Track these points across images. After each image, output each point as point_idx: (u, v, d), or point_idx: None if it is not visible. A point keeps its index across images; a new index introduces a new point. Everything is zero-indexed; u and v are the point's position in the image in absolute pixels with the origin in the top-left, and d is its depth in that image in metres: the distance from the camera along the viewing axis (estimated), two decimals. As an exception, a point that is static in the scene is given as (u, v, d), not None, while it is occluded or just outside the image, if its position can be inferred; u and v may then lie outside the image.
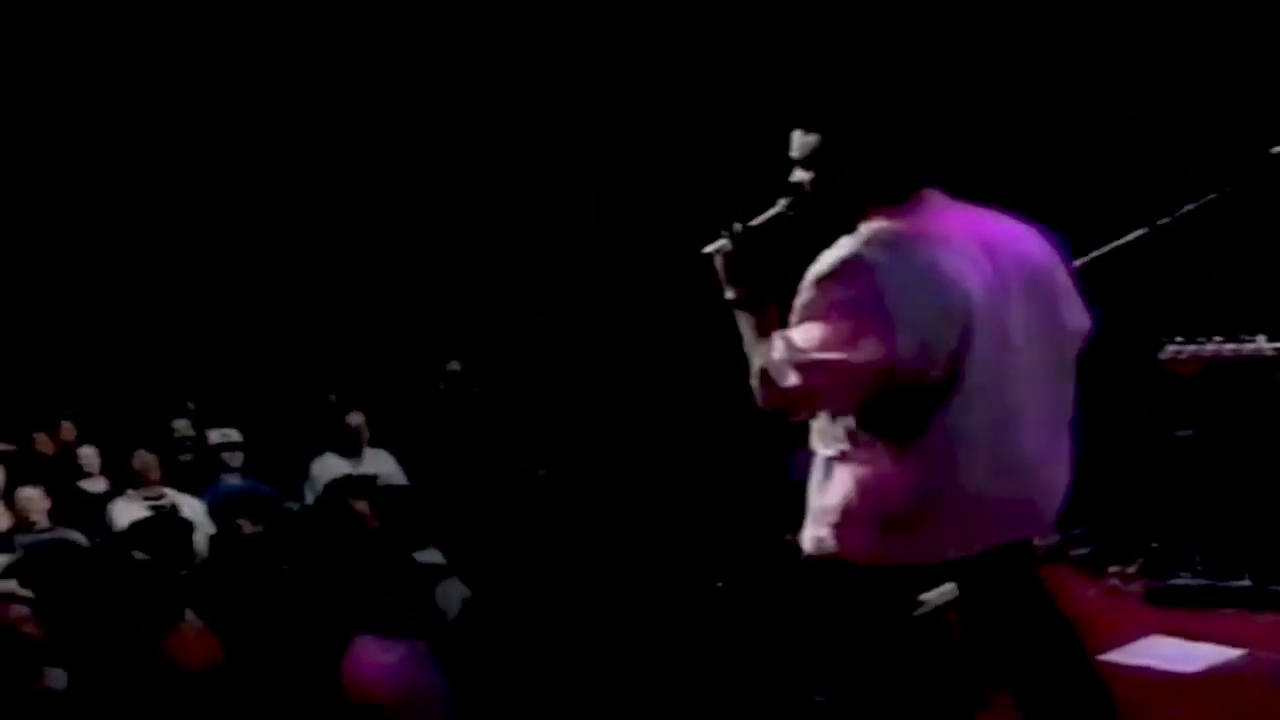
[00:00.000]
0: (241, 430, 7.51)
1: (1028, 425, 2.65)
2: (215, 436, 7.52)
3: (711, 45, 7.83)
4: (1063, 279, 2.77)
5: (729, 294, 2.81)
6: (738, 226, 2.81)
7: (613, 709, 4.09)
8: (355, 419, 7.29)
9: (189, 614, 4.41)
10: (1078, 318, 2.78)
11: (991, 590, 2.71)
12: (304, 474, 7.12)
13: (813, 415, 2.68)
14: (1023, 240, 2.72)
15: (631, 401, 7.33)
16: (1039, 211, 3.07)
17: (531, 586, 4.92)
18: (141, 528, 6.02)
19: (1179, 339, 3.25)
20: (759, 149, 3.17)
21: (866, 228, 2.64)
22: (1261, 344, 3.02)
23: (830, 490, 2.68)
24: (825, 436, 2.70)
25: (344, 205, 9.03)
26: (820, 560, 2.73)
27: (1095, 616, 3.24)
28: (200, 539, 6.16)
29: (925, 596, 2.66)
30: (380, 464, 7.19)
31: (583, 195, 8.48)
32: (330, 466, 7.01)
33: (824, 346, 2.53)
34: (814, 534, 2.72)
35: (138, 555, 5.62)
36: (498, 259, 8.66)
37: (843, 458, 2.65)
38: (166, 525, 6.14)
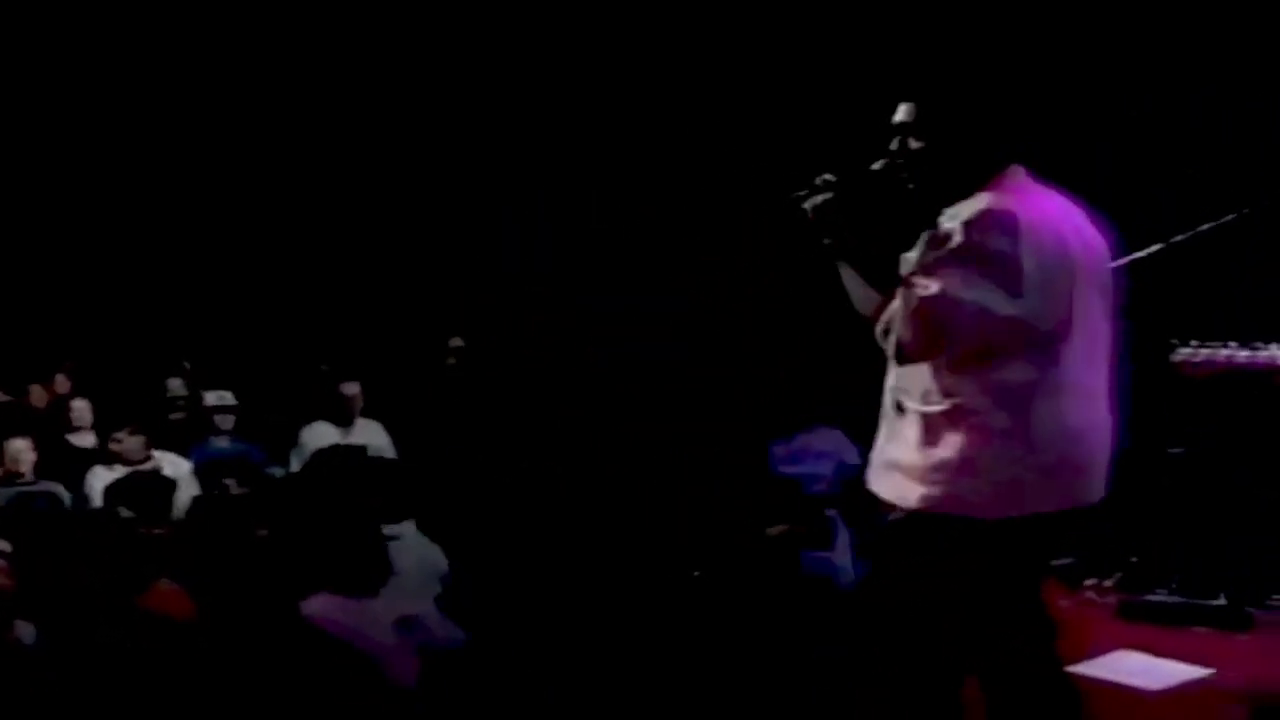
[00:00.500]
0: (236, 393, 7.49)
1: (1099, 394, 2.83)
2: (210, 398, 7.50)
3: (711, 45, 7.82)
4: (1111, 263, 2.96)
5: (830, 241, 2.94)
6: (829, 177, 2.96)
7: (589, 692, 4.10)
8: (350, 389, 7.24)
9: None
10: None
11: (1036, 553, 2.85)
12: (294, 440, 7.09)
13: (933, 357, 2.76)
14: (1090, 224, 2.92)
15: (620, 397, 7.35)
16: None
17: (510, 568, 4.95)
18: (122, 485, 6.01)
19: (1194, 343, 3.26)
20: (759, 149, 3.21)
21: (990, 193, 2.80)
22: (1276, 352, 3.02)
23: (940, 446, 2.77)
24: (926, 392, 2.80)
25: (346, 202, 9.04)
26: (913, 517, 2.80)
27: (1067, 627, 3.23)
28: (183, 498, 6.13)
29: None
30: (371, 435, 7.15)
31: (583, 195, 8.48)
32: (321, 434, 6.97)
33: (971, 292, 2.67)
34: (923, 491, 2.78)
35: (121, 512, 5.60)
36: (498, 259, 8.66)
37: (954, 412, 2.76)
38: (147, 483, 6.10)
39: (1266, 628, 4.96)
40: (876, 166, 2.96)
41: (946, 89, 2.99)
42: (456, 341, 8.27)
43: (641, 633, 4.37)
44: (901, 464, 2.84)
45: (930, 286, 2.70)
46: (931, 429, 2.78)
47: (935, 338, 2.73)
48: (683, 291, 7.88)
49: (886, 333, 2.82)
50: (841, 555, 6.01)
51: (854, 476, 6.38)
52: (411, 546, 5.15)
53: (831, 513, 5.97)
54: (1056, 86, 6.87)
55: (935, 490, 2.77)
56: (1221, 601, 5.06)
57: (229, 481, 5.88)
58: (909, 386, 2.84)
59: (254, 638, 3.88)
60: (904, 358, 2.81)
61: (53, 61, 8.79)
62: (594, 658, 4.21)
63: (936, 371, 2.78)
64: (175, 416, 7.80)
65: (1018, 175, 2.89)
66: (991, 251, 2.68)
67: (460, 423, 7.53)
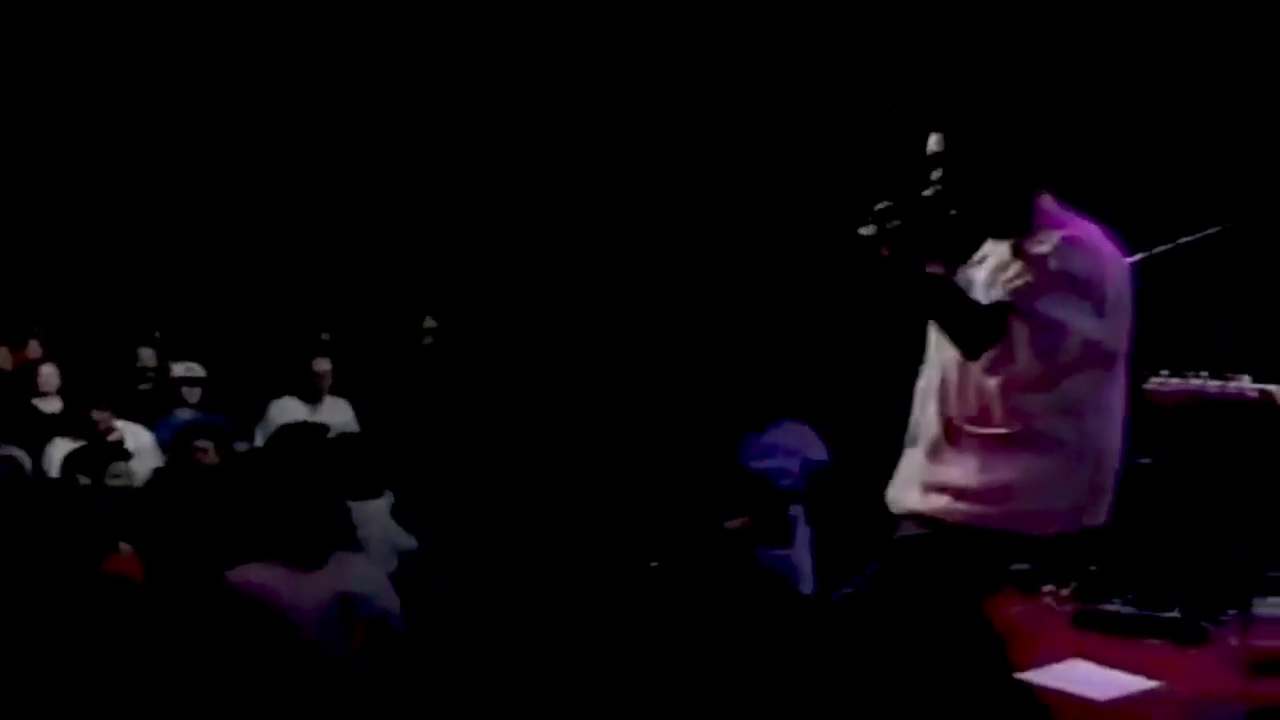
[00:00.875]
0: (205, 365, 7.52)
1: (1122, 412, 3.00)
2: (179, 369, 7.52)
3: (712, 45, 7.82)
4: None
5: (904, 264, 2.94)
6: (888, 204, 2.97)
7: (543, 675, 4.14)
8: (321, 365, 7.26)
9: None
10: None
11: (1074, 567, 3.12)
12: (260, 415, 7.10)
13: (1002, 377, 2.86)
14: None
15: (592, 391, 7.40)
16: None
17: (475, 550, 4.98)
18: (81, 454, 6.02)
19: (1165, 371, 3.32)
20: (759, 150, 3.22)
21: (1055, 218, 2.95)
22: (1245, 384, 3.08)
23: (1004, 467, 2.88)
24: (985, 413, 2.89)
25: (344, 200, 9.02)
26: (950, 531, 2.92)
27: (1020, 634, 3.32)
28: (143, 469, 6.15)
29: None
30: (339, 412, 7.17)
31: (583, 195, 8.47)
32: (288, 410, 6.98)
33: (1063, 311, 2.81)
34: (980, 510, 2.91)
35: (80, 480, 5.65)
36: (498, 259, 8.65)
37: (1021, 433, 2.87)
38: (106, 453, 6.10)
39: (1219, 642, 5.03)
40: (928, 194, 3.01)
41: (975, 119, 3.12)
42: (430, 322, 8.26)
43: (598, 620, 4.40)
44: (953, 486, 2.93)
45: (1029, 307, 2.83)
46: (993, 450, 2.89)
47: (1021, 357, 2.84)
48: (683, 291, 7.88)
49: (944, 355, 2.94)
50: (800, 554, 6.04)
51: (819, 473, 6.53)
52: (376, 522, 5.19)
53: (795, 510, 6.00)
54: (1057, 86, 6.88)
55: (993, 509, 2.90)
56: (1176, 614, 5.12)
57: (205, 445, 5.84)
58: (963, 408, 2.93)
59: (192, 604, 3.94)
60: (968, 378, 2.91)
61: (27, 37, 8.71)
62: (550, 642, 4.24)
63: (1003, 392, 2.88)
64: (143, 387, 7.76)
65: (1050, 201, 3.02)
66: (1079, 275, 2.83)
67: (433, 403, 7.53)
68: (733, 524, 5.52)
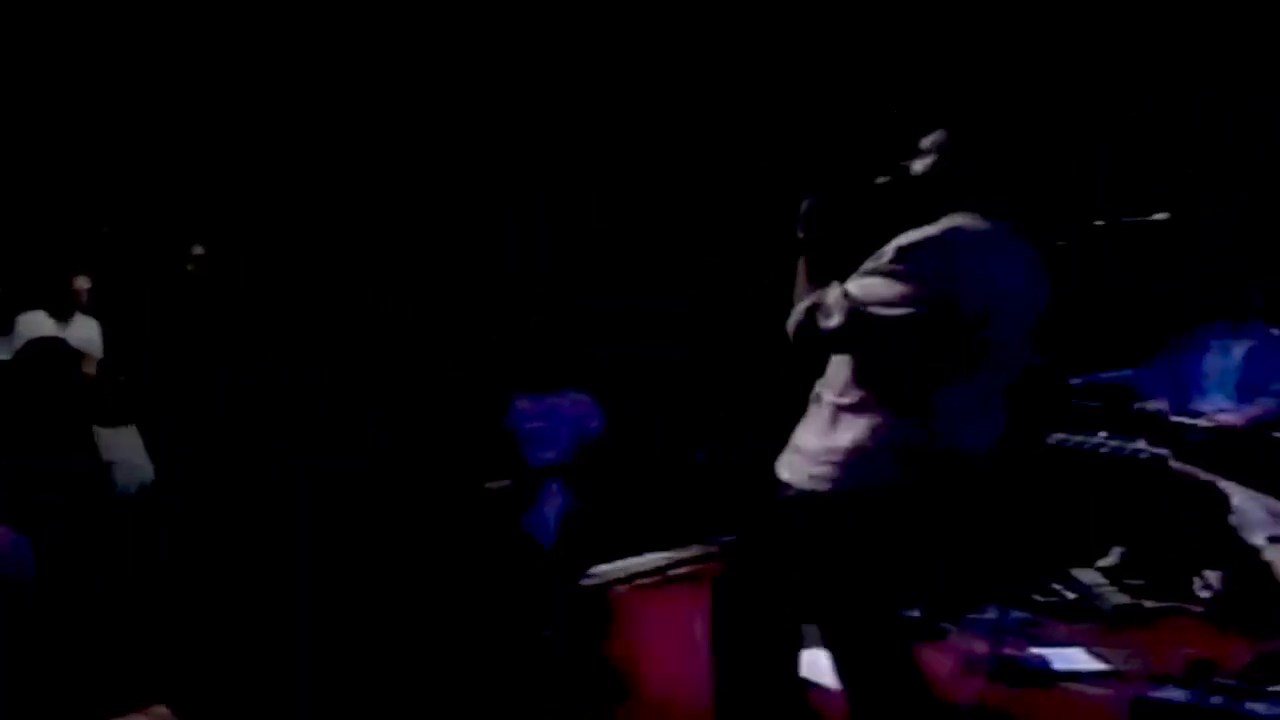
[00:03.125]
0: None
1: (978, 423, 3.11)
2: None
3: (712, 45, 7.82)
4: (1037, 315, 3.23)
5: (806, 233, 3.21)
6: (842, 180, 3.25)
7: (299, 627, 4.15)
8: (81, 282, 7.21)
9: None
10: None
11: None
12: (8, 328, 7.01)
13: (831, 353, 3.19)
14: (1038, 269, 3.21)
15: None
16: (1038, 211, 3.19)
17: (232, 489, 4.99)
18: None
19: (1061, 435, 3.42)
20: (759, 150, 3.25)
21: (950, 219, 3.10)
22: (1140, 446, 3.18)
23: (840, 434, 3.12)
24: (842, 386, 3.17)
25: (342, 199, 9.00)
26: (801, 496, 3.14)
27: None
28: None
29: None
30: (87, 330, 7.14)
31: (583, 195, 8.48)
32: (37, 325, 6.93)
33: (878, 302, 3.01)
34: (812, 471, 3.15)
35: None
36: (498, 259, 8.65)
37: (856, 405, 3.11)
38: None
39: (959, 643, 5.16)
40: (881, 180, 3.22)
41: (979, 124, 3.22)
42: (198, 249, 8.08)
43: (383, 577, 4.42)
44: (803, 448, 3.21)
45: (849, 292, 3.06)
46: (836, 419, 3.15)
47: (844, 337, 3.07)
48: (683, 291, 7.89)
49: (807, 328, 3.13)
50: (545, 517, 6.14)
51: (591, 443, 6.73)
52: (121, 450, 5.11)
53: (554, 481, 6.13)
54: (1057, 86, 6.88)
55: (823, 471, 3.14)
56: (917, 614, 5.25)
57: None
58: (831, 380, 3.22)
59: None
60: (828, 353, 3.21)
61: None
62: (338, 602, 4.25)
63: (852, 368, 3.16)
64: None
65: (998, 209, 3.15)
66: (908, 271, 3.01)
67: (195, 331, 7.45)
68: (494, 485, 5.65)
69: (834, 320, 3.05)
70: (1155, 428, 5.71)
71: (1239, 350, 6.18)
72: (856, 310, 3.02)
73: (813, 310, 3.08)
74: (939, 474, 3.08)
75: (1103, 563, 6.43)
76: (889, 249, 3.04)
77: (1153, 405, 6.13)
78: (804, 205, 3.23)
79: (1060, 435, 3.17)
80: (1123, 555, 6.36)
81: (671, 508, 5.87)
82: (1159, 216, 4.32)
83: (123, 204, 8.50)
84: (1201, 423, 5.92)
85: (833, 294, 3.06)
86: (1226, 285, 6.24)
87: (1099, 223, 4.25)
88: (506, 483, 5.67)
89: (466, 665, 4.13)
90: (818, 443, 3.15)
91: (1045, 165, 3.30)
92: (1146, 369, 6.30)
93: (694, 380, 7.34)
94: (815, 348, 3.12)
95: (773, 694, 3.18)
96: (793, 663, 3.21)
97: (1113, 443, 3.06)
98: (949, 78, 7.08)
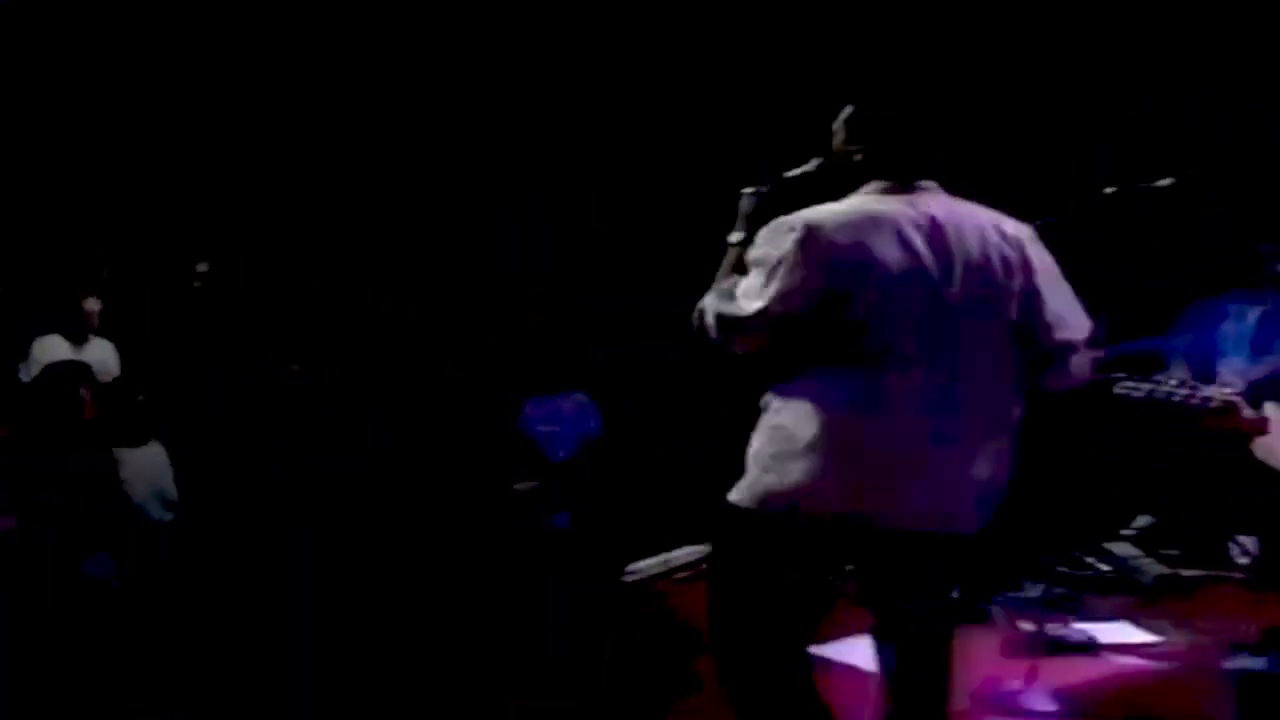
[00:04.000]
0: None
1: (916, 409, 2.77)
2: None
3: (711, 46, 7.82)
4: (1021, 281, 2.89)
5: (735, 235, 3.11)
6: (777, 176, 3.13)
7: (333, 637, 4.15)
8: (91, 304, 7.26)
9: None
10: (1035, 318, 2.88)
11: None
12: (24, 353, 7.08)
13: (743, 350, 2.94)
14: (985, 238, 2.88)
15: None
16: (1038, 210, 3.14)
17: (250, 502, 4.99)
18: None
19: (1137, 377, 3.30)
20: (759, 150, 3.24)
21: (852, 196, 2.93)
22: (1212, 391, 3.04)
23: (757, 435, 2.92)
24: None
25: (343, 200, 8.98)
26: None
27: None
28: None
29: None
30: (103, 353, 7.19)
31: (583, 195, 8.47)
32: (53, 349, 6.98)
33: (747, 295, 2.86)
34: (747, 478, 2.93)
35: None
36: (498, 259, 8.65)
37: (764, 410, 2.92)
38: None
39: (1001, 622, 5.09)
40: (810, 168, 3.10)
41: (868, 94, 3.11)
42: (203, 266, 8.15)
43: (387, 577, 4.41)
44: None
45: (734, 289, 2.94)
46: (757, 424, 2.95)
47: (730, 334, 2.93)
48: (683, 291, 7.87)
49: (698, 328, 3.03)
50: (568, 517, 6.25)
51: (593, 444, 6.80)
52: (142, 470, 5.16)
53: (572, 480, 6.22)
54: (1057, 86, 6.88)
55: (742, 480, 2.91)
56: (955, 595, 5.23)
57: None
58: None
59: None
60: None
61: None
62: (341, 603, 4.24)
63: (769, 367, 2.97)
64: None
65: (917, 188, 2.92)
66: (769, 258, 2.85)
67: (203, 348, 7.50)
68: (521, 486, 5.69)
69: (708, 320, 2.95)
70: None
71: (1253, 315, 6.19)
72: (721, 314, 2.91)
73: (714, 312, 2.95)
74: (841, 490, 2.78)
75: (1129, 531, 6.41)
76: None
77: (1175, 374, 6.14)
78: (746, 202, 3.14)
79: (1130, 384, 3.05)
80: (1151, 524, 6.34)
81: (680, 504, 5.88)
82: (1164, 182, 4.23)
83: (126, 224, 8.53)
84: (1213, 390, 5.95)
85: (724, 290, 2.96)
86: (1239, 251, 6.25)
87: (1109, 190, 4.19)
88: (534, 483, 5.67)
89: (496, 664, 4.12)
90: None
91: (960, 137, 3.12)
92: (1169, 338, 6.29)
93: (694, 380, 7.34)
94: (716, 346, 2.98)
95: (774, 679, 2.99)
96: (795, 647, 3.03)
97: (1182, 391, 2.95)
98: (953, 81, 7.08)
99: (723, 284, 3.00)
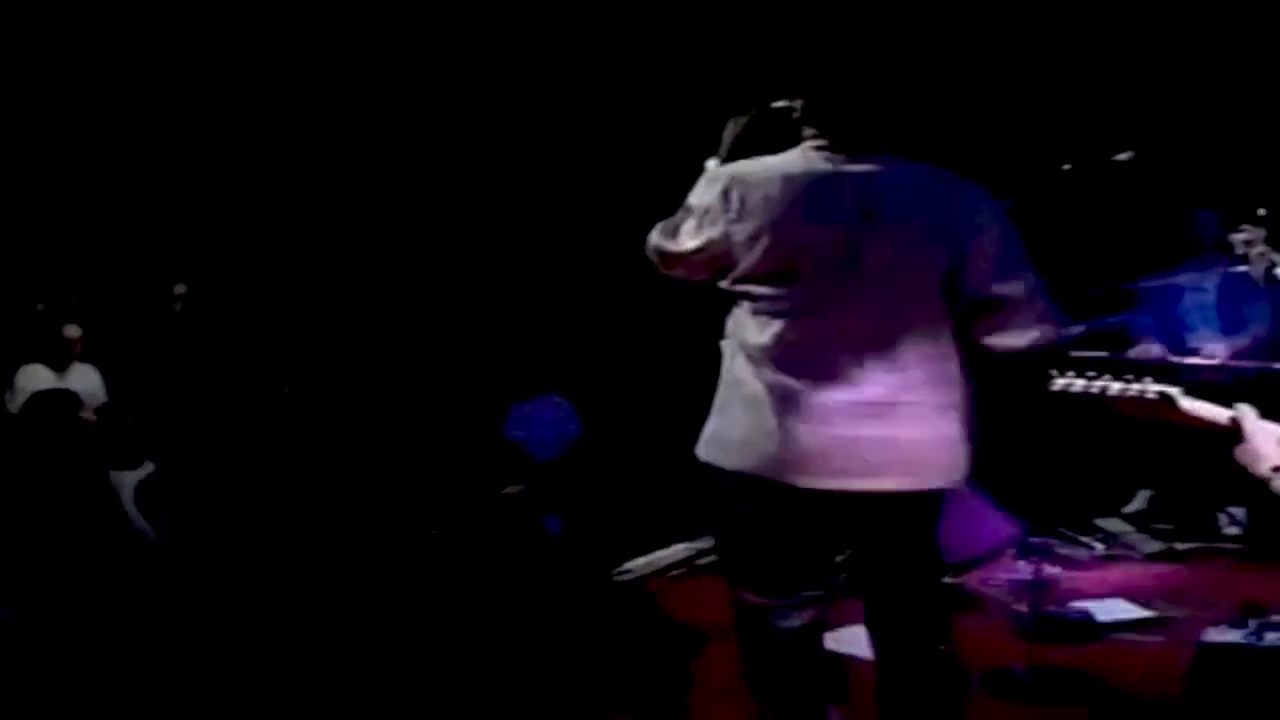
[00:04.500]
0: None
1: (826, 362, 2.85)
2: None
3: (712, 46, 7.80)
4: (960, 241, 2.89)
5: (713, 161, 3.27)
6: (761, 105, 3.27)
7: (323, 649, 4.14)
8: (72, 331, 7.31)
9: None
10: (967, 277, 2.90)
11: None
12: (8, 383, 7.11)
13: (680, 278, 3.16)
14: (924, 199, 2.92)
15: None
16: (998, 190, 3.13)
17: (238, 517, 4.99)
18: None
19: (1070, 372, 3.30)
20: (761, 149, 3.24)
21: (786, 153, 3.04)
22: (1147, 385, 3.04)
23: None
24: None
25: (313, 208, 8.94)
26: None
27: None
28: None
29: None
30: (86, 379, 7.24)
31: (573, 196, 8.43)
32: (36, 377, 7.01)
33: (685, 234, 3.05)
34: None
35: None
36: (483, 263, 8.58)
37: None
38: None
39: (997, 605, 5.16)
40: (780, 105, 3.20)
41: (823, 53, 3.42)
42: (180, 288, 8.19)
43: (380, 591, 4.41)
44: None
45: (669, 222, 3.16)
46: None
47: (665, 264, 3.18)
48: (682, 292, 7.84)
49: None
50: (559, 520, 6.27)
51: (575, 445, 6.82)
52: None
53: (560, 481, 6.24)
54: (1057, 86, 6.88)
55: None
56: (950, 579, 5.22)
57: None
58: None
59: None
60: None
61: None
62: (327, 619, 4.24)
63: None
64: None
65: (860, 148, 2.97)
66: (693, 202, 3.06)
67: (185, 370, 7.54)
68: (510, 490, 5.71)
69: (650, 249, 3.15)
70: (1161, 370, 5.73)
71: (1210, 284, 6.26)
72: (658, 247, 3.11)
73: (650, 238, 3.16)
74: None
75: (1129, 509, 6.42)
76: None
77: (1154, 349, 6.19)
78: (729, 129, 3.29)
79: (1064, 380, 3.05)
80: (1149, 500, 6.35)
81: (669, 501, 5.87)
82: (1123, 156, 4.31)
83: (101, 249, 8.54)
84: (1199, 360, 6.00)
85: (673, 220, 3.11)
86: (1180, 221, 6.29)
87: (1067, 167, 4.19)
88: (521, 487, 5.68)
89: (489, 667, 4.11)
90: None
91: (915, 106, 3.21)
92: (1132, 314, 6.33)
93: (681, 378, 7.32)
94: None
95: (794, 670, 3.04)
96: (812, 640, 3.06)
97: (1117, 385, 2.96)
98: (955, 82, 7.09)
99: (676, 216, 3.14)
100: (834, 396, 2.83)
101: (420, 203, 8.66)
